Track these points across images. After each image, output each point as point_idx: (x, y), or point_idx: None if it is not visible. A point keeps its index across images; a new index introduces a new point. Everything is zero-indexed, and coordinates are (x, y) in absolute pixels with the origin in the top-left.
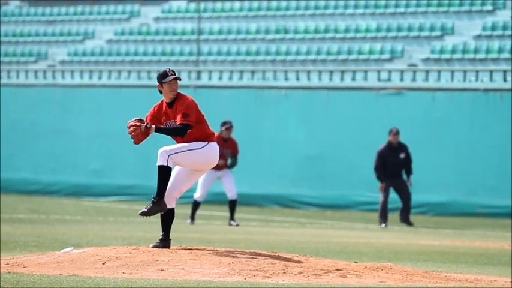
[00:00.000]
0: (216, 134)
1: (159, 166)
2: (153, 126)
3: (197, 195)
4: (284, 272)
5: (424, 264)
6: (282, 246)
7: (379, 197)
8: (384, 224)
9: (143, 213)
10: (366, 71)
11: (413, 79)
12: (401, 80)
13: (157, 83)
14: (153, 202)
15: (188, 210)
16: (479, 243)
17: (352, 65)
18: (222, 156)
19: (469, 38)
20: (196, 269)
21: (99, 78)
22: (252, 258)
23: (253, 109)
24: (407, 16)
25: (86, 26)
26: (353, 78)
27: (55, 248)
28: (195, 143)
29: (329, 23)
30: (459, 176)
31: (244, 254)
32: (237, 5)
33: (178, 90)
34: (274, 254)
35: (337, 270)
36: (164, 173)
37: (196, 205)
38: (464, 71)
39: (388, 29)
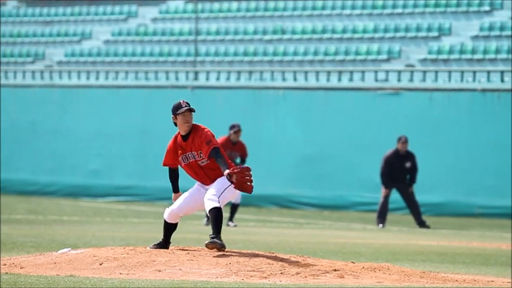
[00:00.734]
0: (225, 137)
1: (213, 208)
2: (226, 171)
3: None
4: (281, 273)
5: (422, 264)
6: (280, 247)
7: (380, 198)
8: (382, 225)
9: (209, 244)
10: (363, 72)
11: (411, 79)
12: (399, 80)
13: (171, 115)
14: (212, 239)
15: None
16: (476, 244)
17: (349, 65)
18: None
19: (467, 39)
20: (194, 270)
21: (97, 78)
22: (250, 258)
23: (250, 109)
24: (405, 17)
25: (83, 26)
26: (350, 79)
27: (53, 249)
28: (223, 179)
29: (326, 23)
30: (457, 177)
31: (241, 255)
32: (234, 5)
33: (193, 123)
34: (272, 254)
35: (335, 270)
36: (217, 213)
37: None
38: (462, 72)
39: (386, 30)
